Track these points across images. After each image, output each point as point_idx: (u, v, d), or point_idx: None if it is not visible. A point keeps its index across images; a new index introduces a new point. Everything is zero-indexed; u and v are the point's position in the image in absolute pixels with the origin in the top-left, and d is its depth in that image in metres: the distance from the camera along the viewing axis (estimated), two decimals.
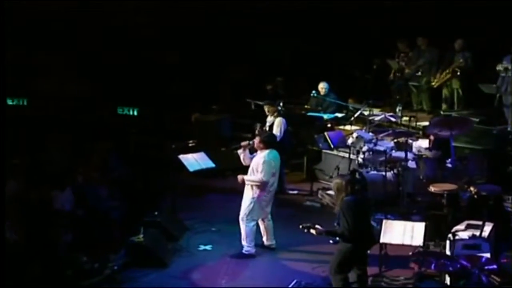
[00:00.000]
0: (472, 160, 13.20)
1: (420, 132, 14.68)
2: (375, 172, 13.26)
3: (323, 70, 17.28)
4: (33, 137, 15.19)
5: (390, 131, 13.95)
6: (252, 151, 11.66)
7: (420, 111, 16.72)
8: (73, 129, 16.15)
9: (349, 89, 17.13)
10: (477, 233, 10.39)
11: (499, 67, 14.87)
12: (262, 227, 11.66)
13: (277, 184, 11.71)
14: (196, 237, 12.24)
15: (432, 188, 11.82)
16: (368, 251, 9.76)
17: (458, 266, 9.38)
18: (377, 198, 12.39)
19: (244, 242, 11.42)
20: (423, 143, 13.50)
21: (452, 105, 16.68)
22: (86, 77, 18.17)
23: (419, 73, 16.90)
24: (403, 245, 10.43)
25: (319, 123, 15.58)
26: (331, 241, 10.79)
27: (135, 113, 17.26)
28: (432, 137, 13.34)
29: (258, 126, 13.97)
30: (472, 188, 11.67)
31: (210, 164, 12.88)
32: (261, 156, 11.29)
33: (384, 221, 10.73)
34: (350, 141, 13.82)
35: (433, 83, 16.63)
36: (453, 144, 12.87)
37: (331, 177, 14.40)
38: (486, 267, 9.44)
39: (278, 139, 12.54)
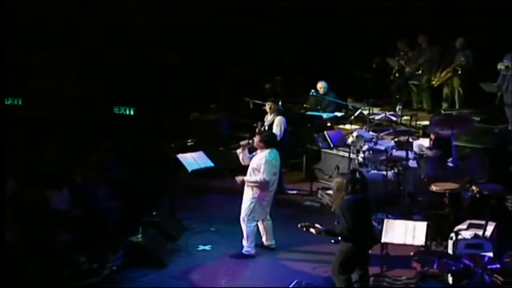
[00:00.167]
0: (473, 159, 13.12)
1: (420, 131, 14.63)
2: (375, 171, 13.16)
3: (322, 69, 17.18)
4: (29, 136, 15.09)
5: (391, 130, 13.85)
6: (251, 150, 11.57)
7: (420, 110, 16.65)
8: (69, 128, 16.03)
9: (348, 88, 17.03)
10: (480, 232, 10.34)
11: (500, 66, 14.81)
12: (261, 227, 11.58)
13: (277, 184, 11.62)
14: (195, 237, 12.18)
15: (433, 187, 11.75)
16: (369, 251, 9.67)
17: (461, 265, 9.30)
18: (377, 197, 12.29)
19: (245, 243, 11.36)
20: (425, 141, 13.41)
21: (452, 104, 16.62)
22: (82, 77, 18.08)
23: (420, 72, 16.82)
24: (404, 244, 10.37)
25: (319, 122, 15.48)
26: (332, 241, 10.67)
27: (132, 112, 17.15)
28: (432, 136, 13.26)
29: (259, 124, 13.84)
30: (474, 187, 11.61)
31: (209, 163, 12.78)
32: (262, 155, 11.20)
33: (385, 220, 10.70)
34: (350, 140, 13.75)
35: (434, 82, 16.58)
36: (454, 143, 12.77)
37: (330, 176, 14.34)
38: (489, 267, 9.34)
39: (278, 138, 12.45)
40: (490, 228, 10.42)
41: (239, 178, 11.32)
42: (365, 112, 15.35)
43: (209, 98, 17.31)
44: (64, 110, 17.28)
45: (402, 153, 12.88)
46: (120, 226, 11.81)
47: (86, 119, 16.85)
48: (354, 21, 17.86)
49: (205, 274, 10.91)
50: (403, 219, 11.00)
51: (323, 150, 14.73)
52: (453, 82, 16.48)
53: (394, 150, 13.21)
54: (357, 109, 15.50)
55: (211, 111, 16.71)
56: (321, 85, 16.05)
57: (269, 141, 11.31)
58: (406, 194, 12.76)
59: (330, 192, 13.69)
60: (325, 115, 15.71)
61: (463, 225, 10.67)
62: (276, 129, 13.47)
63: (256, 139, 11.35)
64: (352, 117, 15.43)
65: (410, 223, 10.53)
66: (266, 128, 13.65)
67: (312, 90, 16.04)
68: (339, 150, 14.38)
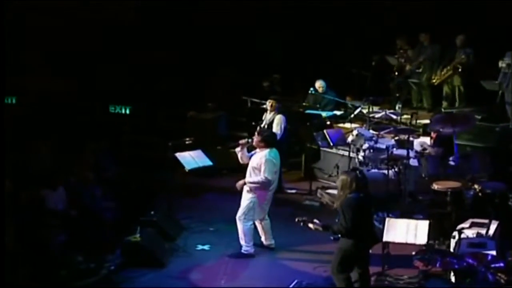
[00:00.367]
0: (475, 158, 13.00)
1: (421, 130, 14.53)
2: (375, 170, 13.06)
3: (321, 67, 17.06)
4: (23, 136, 14.95)
5: (392, 128, 13.73)
6: (250, 149, 11.47)
7: (420, 109, 16.56)
8: (65, 128, 15.91)
9: (347, 87, 16.93)
10: (482, 231, 10.30)
11: (501, 63, 14.74)
12: (259, 227, 11.51)
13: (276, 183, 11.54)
14: (193, 237, 12.12)
15: (435, 186, 11.67)
16: (370, 250, 9.63)
17: (465, 264, 9.27)
18: (378, 196, 12.15)
19: (242, 242, 11.28)
20: (425, 140, 13.30)
21: (453, 103, 16.55)
22: (78, 76, 17.94)
23: (420, 70, 16.72)
24: (406, 243, 10.25)
25: (318, 121, 15.37)
26: (332, 238, 10.76)
27: (127, 111, 17.02)
28: (433, 135, 13.16)
29: (260, 124, 13.74)
30: (476, 186, 11.54)
31: (207, 162, 12.70)
32: (262, 155, 11.11)
33: (387, 219, 10.60)
34: (350, 139, 13.63)
35: (434, 80, 16.50)
36: (456, 141, 12.68)
37: (330, 176, 14.34)
38: (492, 265, 9.32)
39: (278, 137, 12.38)
40: (493, 227, 10.35)
41: (239, 183, 11.21)
42: (365, 111, 15.25)
43: (205, 96, 17.17)
44: (59, 109, 17.14)
45: (403, 152, 12.78)
46: (117, 226, 11.75)
47: (81, 119, 16.71)
48: (353, 19, 17.81)
49: (204, 274, 10.86)
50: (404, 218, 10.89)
51: (322, 149, 14.62)
52: (454, 80, 16.40)
53: (394, 149, 13.08)
54: (356, 108, 15.41)
55: (208, 110, 16.58)
56: (319, 84, 15.96)
57: (269, 140, 11.24)
58: (407, 193, 12.67)
59: (329, 191, 13.72)
60: (324, 114, 15.62)
61: (466, 224, 10.62)
62: (276, 128, 13.37)
63: (257, 138, 11.24)
64: (352, 115, 15.35)
65: (412, 222, 10.41)
66: (266, 126, 13.53)
67: (311, 89, 15.94)
68: (339, 149, 14.27)
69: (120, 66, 17.93)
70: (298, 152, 15.24)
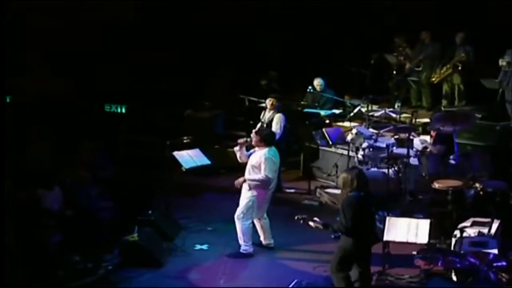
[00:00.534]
0: (475, 156, 12.96)
1: (420, 129, 14.45)
2: (375, 169, 12.98)
3: (320, 67, 17.00)
4: (18, 135, 14.87)
5: (391, 127, 13.65)
6: (248, 148, 11.41)
7: (419, 108, 16.52)
8: (60, 127, 15.82)
9: (346, 85, 16.87)
10: (484, 230, 10.27)
11: (502, 62, 14.71)
12: (258, 226, 11.44)
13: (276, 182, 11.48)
14: (191, 236, 12.04)
15: (436, 185, 11.63)
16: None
17: (467, 263, 9.27)
18: (378, 196, 12.06)
19: (241, 241, 11.21)
20: (426, 138, 13.25)
21: (452, 101, 16.56)
22: (73, 75, 17.86)
23: (419, 68, 16.67)
24: (407, 242, 10.16)
25: (317, 120, 15.29)
26: (332, 236, 10.72)
27: (123, 110, 16.95)
28: (433, 133, 13.12)
29: (260, 123, 13.66)
30: (477, 185, 11.52)
31: (205, 161, 12.61)
32: (261, 153, 11.04)
33: (387, 218, 10.50)
34: (349, 137, 13.54)
35: (434, 79, 16.46)
36: (456, 140, 12.65)
37: (329, 175, 14.27)
38: (494, 264, 9.33)
39: (278, 136, 12.33)
40: (494, 225, 10.34)
41: (239, 181, 11.12)
42: (364, 110, 15.19)
43: (205, 96, 17.09)
44: (55, 109, 17.05)
45: (403, 150, 12.72)
46: (115, 226, 11.68)
47: (77, 118, 16.63)
48: (353, 19, 17.81)
49: (203, 274, 10.79)
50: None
51: (321, 148, 14.53)
52: (454, 78, 16.41)
53: (394, 148, 13.00)
54: (355, 106, 15.36)
55: (205, 109, 16.50)
56: (318, 82, 15.92)
57: (268, 139, 11.17)
58: (407, 192, 12.61)
59: (329, 190, 13.65)
60: (323, 112, 15.58)
61: (467, 223, 10.60)
62: (276, 127, 13.29)
63: (256, 137, 11.17)
64: (351, 114, 15.31)
65: (412, 221, 10.32)
66: (265, 125, 13.45)
67: (310, 87, 15.89)
68: (338, 148, 14.17)
69: (120, 66, 17.86)
70: (296, 151, 15.14)
